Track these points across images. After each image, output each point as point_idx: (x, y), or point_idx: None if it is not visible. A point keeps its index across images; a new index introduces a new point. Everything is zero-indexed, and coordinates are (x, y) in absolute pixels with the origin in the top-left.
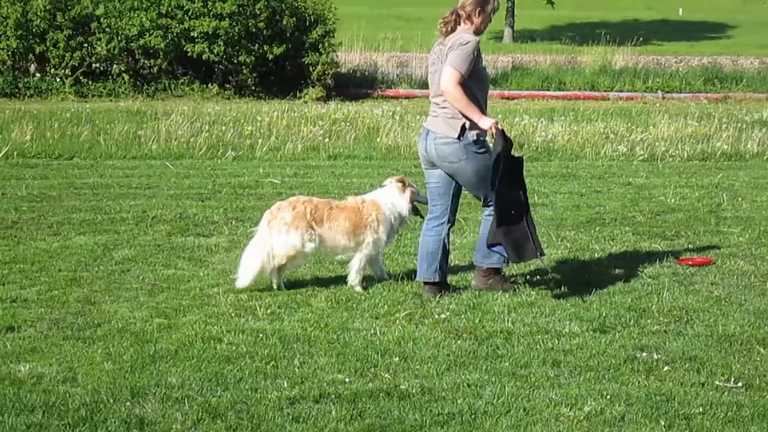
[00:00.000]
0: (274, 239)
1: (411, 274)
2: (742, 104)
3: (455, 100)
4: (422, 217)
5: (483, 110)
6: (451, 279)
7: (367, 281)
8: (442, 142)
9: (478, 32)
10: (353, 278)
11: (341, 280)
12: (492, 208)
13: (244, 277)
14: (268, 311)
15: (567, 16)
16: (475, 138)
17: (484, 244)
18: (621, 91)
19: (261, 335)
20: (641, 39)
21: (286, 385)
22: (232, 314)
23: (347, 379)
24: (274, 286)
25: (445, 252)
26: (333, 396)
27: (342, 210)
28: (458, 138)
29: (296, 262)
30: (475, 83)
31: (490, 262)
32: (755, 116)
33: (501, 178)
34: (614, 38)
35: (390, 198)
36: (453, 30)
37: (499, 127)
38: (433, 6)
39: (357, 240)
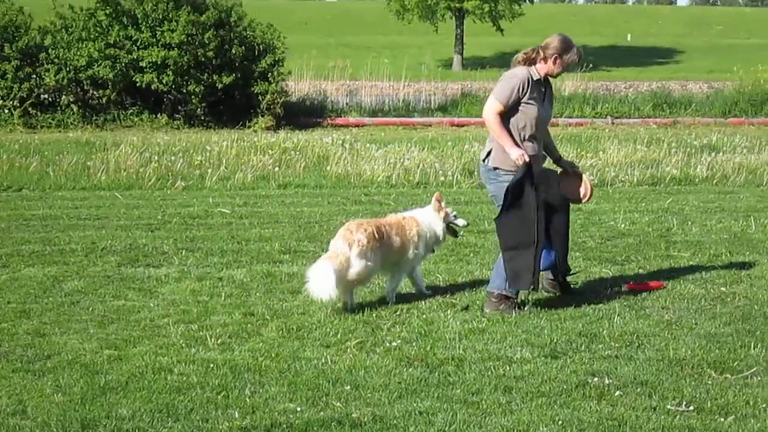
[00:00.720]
0: (353, 260)
1: (363, 301)
2: (691, 129)
3: (490, 127)
4: (460, 236)
5: (531, 144)
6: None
7: (318, 307)
8: (480, 162)
9: (550, 74)
10: (390, 292)
11: (292, 309)
12: None
13: (323, 292)
14: (219, 341)
15: (516, 43)
16: (497, 165)
17: (496, 270)
18: (570, 117)
19: (212, 365)
20: (590, 65)
21: (237, 415)
22: (183, 345)
23: (299, 409)
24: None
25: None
26: (284, 425)
27: (391, 227)
28: (483, 160)
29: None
30: (519, 115)
31: (499, 287)
32: (704, 141)
33: (512, 205)
34: None
35: (428, 218)
36: (532, 64)
37: (526, 159)
38: (381, 35)
39: (401, 254)
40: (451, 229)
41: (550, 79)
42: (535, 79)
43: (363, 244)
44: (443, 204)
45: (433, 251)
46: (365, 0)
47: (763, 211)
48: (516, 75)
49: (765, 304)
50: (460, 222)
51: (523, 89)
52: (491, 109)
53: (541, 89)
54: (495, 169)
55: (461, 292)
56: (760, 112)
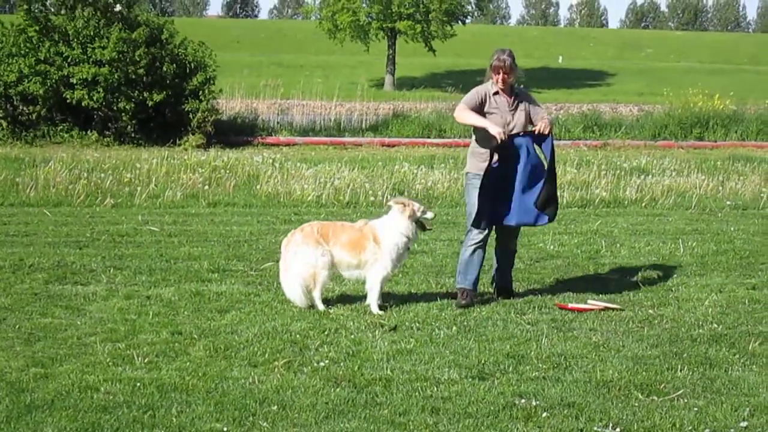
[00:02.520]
0: (291, 262)
1: (292, 320)
2: (621, 151)
3: (462, 119)
4: (430, 229)
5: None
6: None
7: (246, 327)
8: None
9: (503, 85)
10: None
11: (220, 328)
12: (468, 236)
13: (297, 299)
14: (146, 360)
15: (448, 64)
16: (467, 170)
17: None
18: None
19: (138, 384)
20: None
21: None
22: (110, 363)
23: (225, 429)
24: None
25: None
26: None
27: (344, 229)
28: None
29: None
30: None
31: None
32: (633, 163)
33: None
34: None
35: (391, 223)
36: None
37: (503, 137)
38: (314, 54)
39: (359, 258)
40: (420, 224)
41: (520, 88)
42: (492, 92)
43: (298, 242)
44: (408, 201)
45: (408, 249)
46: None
47: (692, 234)
48: (476, 89)
49: (692, 327)
50: (429, 215)
51: (481, 101)
52: (457, 109)
53: (505, 100)
54: (467, 174)
55: (389, 312)
56: (690, 135)
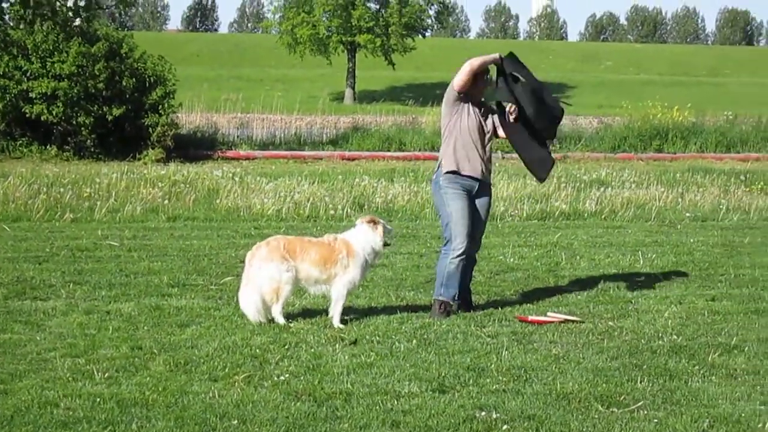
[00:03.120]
0: (255, 274)
1: (252, 335)
2: (581, 163)
3: (461, 74)
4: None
5: (460, 152)
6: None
7: (206, 341)
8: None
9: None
10: (333, 316)
11: (180, 342)
12: (449, 246)
13: (251, 313)
14: (106, 375)
15: (407, 77)
16: (445, 169)
17: (440, 278)
18: None
19: (98, 399)
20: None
21: None
22: (69, 378)
23: None
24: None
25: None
26: None
27: (313, 244)
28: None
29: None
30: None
31: (447, 295)
32: (593, 175)
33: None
34: None
35: (361, 236)
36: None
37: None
38: (274, 68)
39: (328, 273)
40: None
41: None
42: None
43: (263, 256)
44: (377, 219)
45: (372, 266)
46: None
47: (651, 246)
48: None
49: (652, 339)
50: (390, 230)
51: (460, 98)
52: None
53: (480, 105)
54: (438, 181)
55: (349, 326)
56: (649, 147)
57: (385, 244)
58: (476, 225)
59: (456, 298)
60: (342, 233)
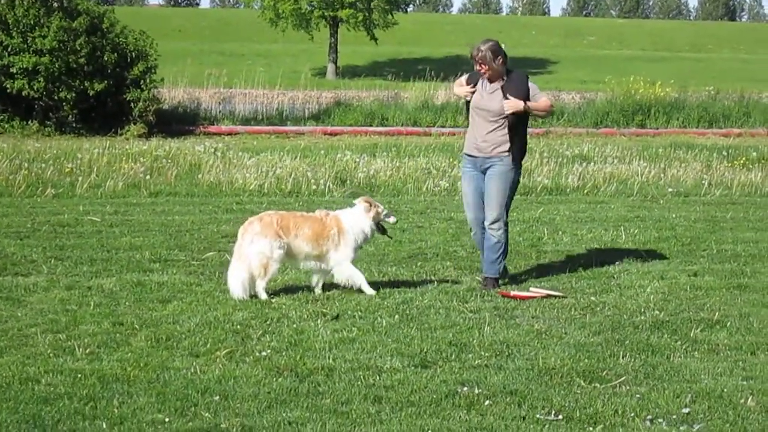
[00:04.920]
0: (246, 250)
1: (234, 310)
2: (563, 139)
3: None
4: (389, 237)
5: (469, 132)
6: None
7: (188, 317)
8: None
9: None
10: (359, 285)
11: (161, 318)
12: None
13: (233, 288)
14: (87, 351)
15: (390, 52)
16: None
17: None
18: (443, 127)
19: (79, 375)
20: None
21: (104, 426)
22: (51, 354)
23: (167, 419)
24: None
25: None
26: None
27: (306, 220)
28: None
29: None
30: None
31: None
32: (575, 150)
33: None
34: (437, 74)
35: (354, 216)
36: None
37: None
38: (256, 43)
39: (320, 249)
40: (380, 227)
41: (507, 77)
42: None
43: (256, 231)
44: (374, 202)
45: (361, 248)
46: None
47: (633, 221)
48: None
49: (634, 314)
50: (391, 219)
51: (468, 80)
52: None
53: (488, 84)
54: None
55: (331, 301)
56: (632, 123)
57: (384, 231)
58: (486, 205)
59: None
60: (336, 211)
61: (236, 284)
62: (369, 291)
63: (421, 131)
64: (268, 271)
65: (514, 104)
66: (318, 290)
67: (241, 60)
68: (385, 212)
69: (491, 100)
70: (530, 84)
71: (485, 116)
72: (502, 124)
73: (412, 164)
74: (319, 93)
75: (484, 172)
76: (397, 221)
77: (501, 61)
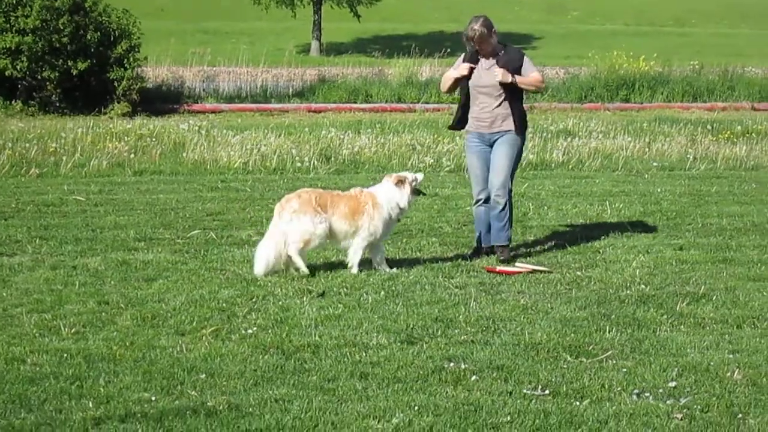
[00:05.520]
0: (285, 227)
1: (220, 288)
2: (548, 114)
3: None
4: (424, 193)
5: (472, 110)
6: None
7: (173, 295)
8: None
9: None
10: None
11: (147, 297)
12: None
13: (258, 265)
14: (73, 330)
15: (374, 29)
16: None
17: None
18: (428, 103)
19: (65, 355)
20: (448, 51)
21: (91, 405)
22: (36, 334)
23: (153, 398)
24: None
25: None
26: (139, 415)
27: (341, 198)
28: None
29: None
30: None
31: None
32: (560, 126)
33: None
34: (421, 50)
35: (387, 191)
36: None
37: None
38: (238, 21)
39: (356, 225)
40: (417, 192)
41: (501, 52)
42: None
43: (295, 209)
44: (402, 176)
45: (399, 221)
46: None
47: (618, 196)
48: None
49: (620, 288)
50: (419, 177)
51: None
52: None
53: (483, 61)
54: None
55: (317, 278)
56: (616, 97)
57: (420, 192)
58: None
59: (485, 239)
60: (368, 188)
61: (261, 261)
62: (355, 271)
63: (406, 107)
64: (309, 246)
65: (502, 73)
66: (384, 268)
67: (224, 38)
68: (414, 177)
69: (490, 76)
70: (525, 59)
71: (488, 92)
72: (505, 97)
73: (396, 140)
74: (303, 70)
75: (491, 146)
76: (423, 176)
77: (494, 34)
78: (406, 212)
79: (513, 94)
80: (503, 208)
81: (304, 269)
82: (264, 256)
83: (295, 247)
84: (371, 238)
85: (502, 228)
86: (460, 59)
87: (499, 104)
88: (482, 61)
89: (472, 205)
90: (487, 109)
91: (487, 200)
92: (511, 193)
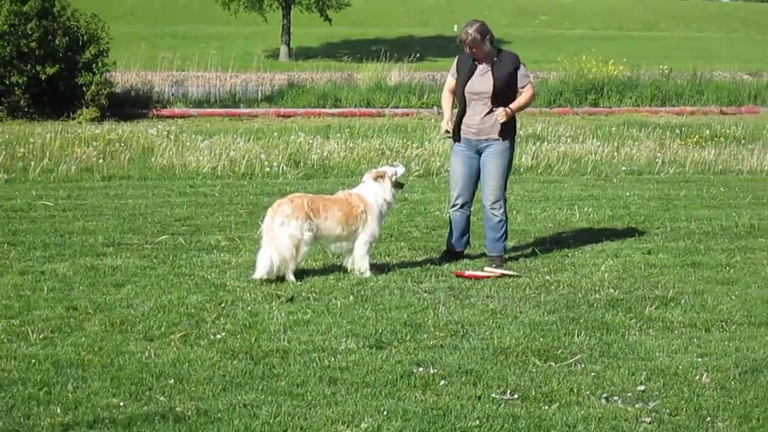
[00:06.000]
0: (277, 232)
1: (188, 293)
2: (517, 118)
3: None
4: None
5: (466, 113)
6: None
7: (141, 300)
8: None
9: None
10: (357, 270)
11: (115, 302)
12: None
13: (259, 269)
14: (41, 336)
15: (343, 33)
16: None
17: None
18: (397, 107)
19: (33, 361)
20: (417, 55)
21: (59, 411)
22: (4, 340)
23: (122, 403)
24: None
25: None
26: (107, 421)
27: (334, 202)
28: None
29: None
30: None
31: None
32: (529, 130)
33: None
34: (390, 55)
35: (373, 190)
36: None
37: (446, 132)
38: (207, 25)
39: (349, 229)
40: (398, 185)
41: (495, 58)
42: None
43: (287, 213)
44: (381, 171)
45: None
46: None
47: (587, 200)
48: (458, 56)
49: (588, 292)
50: (400, 170)
51: (457, 67)
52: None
53: (478, 66)
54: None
55: (286, 283)
56: (585, 102)
57: (401, 185)
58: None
59: (457, 243)
60: (353, 189)
61: (264, 265)
62: (369, 273)
63: (375, 112)
64: (299, 253)
65: (501, 115)
66: (357, 273)
67: (194, 42)
68: (394, 171)
69: (483, 83)
70: (521, 66)
71: (479, 99)
72: (496, 105)
73: (365, 145)
74: (272, 75)
75: (479, 153)
76: (405, 170)
77: (489, 40)
78: (393, 205)
79: (505, 101)
80: (500, 220)
81: (292, 278)
82: (267, 262)
83: (291, 266)
84: (372, 240)
85: (499, 239)
86: (455, 62)
87: (489, 111)
88: (478, 67)
89: (448, 209)
90: (478, 117)
91: (464, 205)
92: (506, 203)
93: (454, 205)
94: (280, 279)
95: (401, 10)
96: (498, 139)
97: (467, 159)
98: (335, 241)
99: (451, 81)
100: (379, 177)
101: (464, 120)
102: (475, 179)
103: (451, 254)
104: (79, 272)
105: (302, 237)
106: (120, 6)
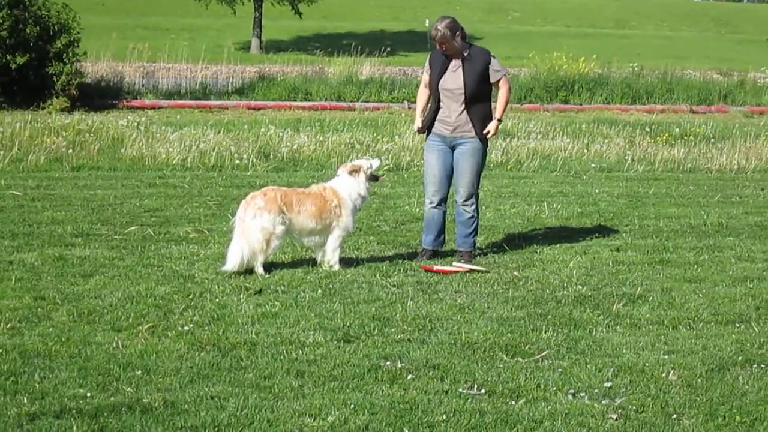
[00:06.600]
0: (248, 224)
1: (156, 284)
2: None
3: None
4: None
5: (441, 110)
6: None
7: (110, 291)
8: None
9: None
10: (328, 261)
11: (83, 293)
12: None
13: (229, 261)
14: (8, 326)
15: (314, 27)
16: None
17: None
18: (367, 102)
19: (1, 351)
20: (388, 49)
21: (26, 401)
22: None
23: (89, 394)
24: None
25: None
26: (74, 411)
27: (308, 195)
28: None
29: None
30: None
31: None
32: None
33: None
34: (362, 49)
35: (347, 184)
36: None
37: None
38: (178, 17)
39: (323, 224)
40: (373, 178)
41: (466, 53)
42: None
43: (259, 206)
44: (356, 165)
45: (359, 210)
46: None
47: (556, 196)
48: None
49: (556, 288)
50: (375, 163)
51: (430, 64)
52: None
53: (450, 62)
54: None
55: (254, 275)
56: (555, 99)
57: (376, 178)
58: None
59: (433, 243)
60: (327, 182)
61: (235, 258)
62: (338, 267)
63: (345, 106)
64: (270, 246)
65: (492, 128)
66: (326, 266)
67: (165, 34)
68: (369, 164)
69: (455, 80)
70: (492, 60)
71: (452, 96)
72: (470, 101)
73: (336, 139)
74: (243, 67)
75: (452, 148)
76: (381, 162)
77: (460, 36)
78: (368, 199)
79: (478, 97)
80: (471, 216)
81: (261, 271)
82: (239, 254)
83: (261, 258)
84: (345, 233)
85: (470, 234)
86: (428, 58)
87: (463, 109)
88: (451, 63)
89: (425, 206)
90: (453, 114)
91: (440, 203)
92: (479, 198)
93: (431, 202)
94: (249, 271)
95: (372, 5)
96: (474, 137)
97: (442, 154)
98: (308, 235)
99: (425, 77)
100: (354, 171)
101: (439, 116)
102: (450, 175)
103: (425, 253)
104: (48, 262)
105: (274, 230)
106: None
